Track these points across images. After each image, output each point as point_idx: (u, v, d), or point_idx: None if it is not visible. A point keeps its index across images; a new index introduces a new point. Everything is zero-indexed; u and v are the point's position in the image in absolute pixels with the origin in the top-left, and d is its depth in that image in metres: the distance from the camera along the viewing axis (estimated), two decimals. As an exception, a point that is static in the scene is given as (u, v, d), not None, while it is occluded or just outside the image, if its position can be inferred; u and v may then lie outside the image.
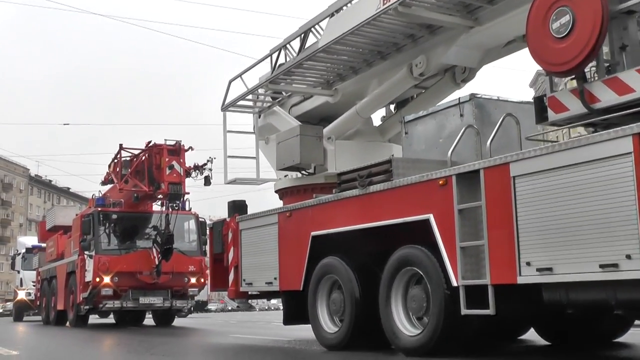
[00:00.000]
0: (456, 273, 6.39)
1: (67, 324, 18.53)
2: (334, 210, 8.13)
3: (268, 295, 11.10)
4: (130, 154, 16.80)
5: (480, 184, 6.23)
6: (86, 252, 16.63)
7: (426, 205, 6.82)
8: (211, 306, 65.25)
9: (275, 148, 10.43)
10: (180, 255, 16.69)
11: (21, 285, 28.80)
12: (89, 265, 16.47)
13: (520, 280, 5.83)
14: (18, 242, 34.66)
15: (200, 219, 17.62)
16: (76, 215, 19.93)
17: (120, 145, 16.77)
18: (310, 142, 9.68)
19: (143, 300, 16.57)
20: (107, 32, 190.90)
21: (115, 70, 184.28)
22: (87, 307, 16.70)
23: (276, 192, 11.00)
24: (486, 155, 6.53)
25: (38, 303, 23.13)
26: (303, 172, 10.15)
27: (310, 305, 8.55)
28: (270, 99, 11.65)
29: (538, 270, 5.67)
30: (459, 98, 7.74)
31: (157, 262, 16.17)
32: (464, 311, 6.31)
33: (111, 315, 21.33)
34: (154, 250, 16.30)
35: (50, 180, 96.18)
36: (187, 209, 17.01)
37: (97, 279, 16.16)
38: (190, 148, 15.78)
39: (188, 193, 15.99)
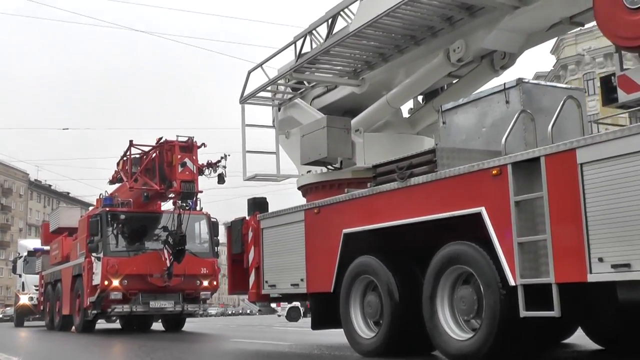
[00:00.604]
0: (514, 271, 5.84)
1: (73, 329, 17.91)
2: (369, 206, 7.56)
3: (292, 297, 10.54)
4: (140, 151, 16.21)
5: (542, 173, 5.68)
6: (94, 254, 16.02)
7: (477, 197, 6.26)
8: (211, 310, 64.65)
9: (297, 142, 9.91)
10: (192, 257, 16.07)
11: (23, 289, 28.15)
12: (97, 267, 15.88)
13: (591, 278, 5.26)
14: (19, 245, 33.93)
15: (212, 219, 17.07)
16: (81, 216, 19.36)
17: (131, 141, 16.18)
18: (338, 134, 9.13)
19: (153, 304, 15.89)
20: (108, 37, 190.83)
21: (116, 75, 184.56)
22: (94, 311, 16.06)
23: (299, 188, 10.49)
24: (545, 142, 5.96)
25: (41, 308, 22.47)
26: (329, 166, 9.61)
27: (342, 308, 7.97)
28: (291, 91, 11.07)
29: (613, 266, 5.12)
30: (505, 83, 7.23)
31: (168, 264, 15.53)
32: (524, 313, 5.75)
33: (101, 321, 20.72)
34: (165, 251, 15.66)
35: (50, 185, 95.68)
36: (198, 209, 16.42)
37: (106, 282, 15.55)
38: (203, 145, 15.19)
39: (201, 191, 15.40)
